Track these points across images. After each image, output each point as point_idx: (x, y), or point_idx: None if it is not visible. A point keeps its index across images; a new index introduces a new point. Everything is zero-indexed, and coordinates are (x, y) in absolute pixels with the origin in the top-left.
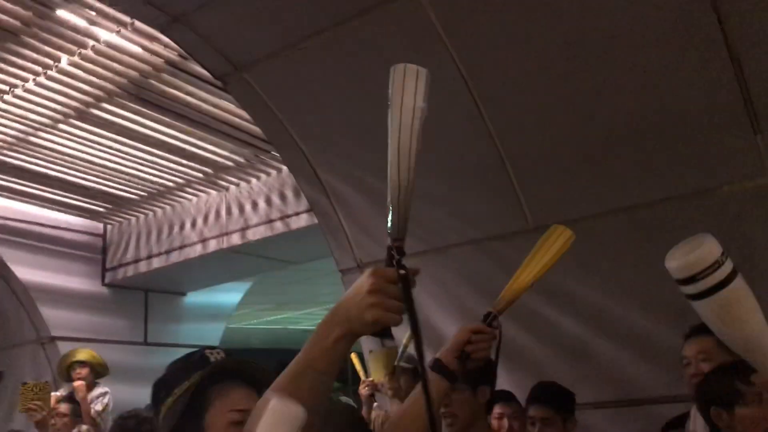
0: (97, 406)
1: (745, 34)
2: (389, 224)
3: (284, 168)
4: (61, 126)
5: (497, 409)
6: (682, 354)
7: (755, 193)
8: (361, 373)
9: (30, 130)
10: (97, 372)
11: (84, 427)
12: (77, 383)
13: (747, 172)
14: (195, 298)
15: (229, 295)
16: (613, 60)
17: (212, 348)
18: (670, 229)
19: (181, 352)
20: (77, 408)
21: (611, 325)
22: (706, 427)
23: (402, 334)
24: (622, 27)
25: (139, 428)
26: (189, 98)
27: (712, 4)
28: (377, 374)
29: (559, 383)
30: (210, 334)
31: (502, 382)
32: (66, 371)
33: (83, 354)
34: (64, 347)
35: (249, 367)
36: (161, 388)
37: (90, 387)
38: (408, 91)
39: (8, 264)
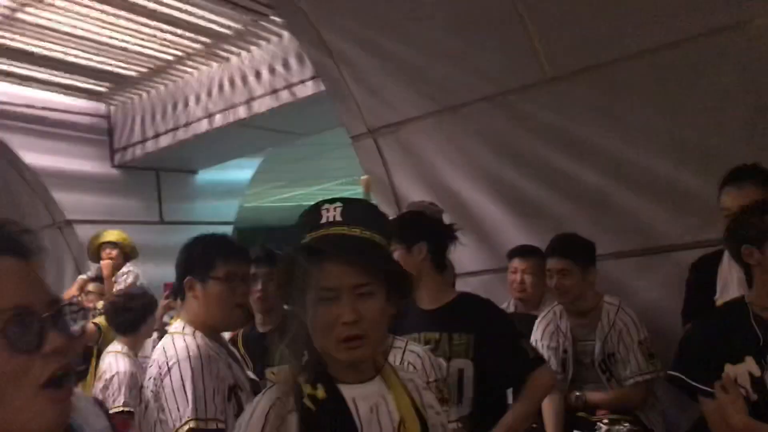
0: (120, 285)
1: None
2: None
3: (285, 34)
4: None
5: (513, 264)
6: (720, 204)
7: None
8: None
9: (15, 5)
10: (126, 253)
11: (101, 303)
12: (104, 262)
13: None
14: (207, 175)
15: (241, 171)
16: None
17: (332, 200)
18: (696, 68)
19: (198, 230)
20: (104, 287)
21: (632, 174)
22: (739, 270)
23: None
24: None
25: (127, 305)
26: None
27: None
28: None
29: (579, 234)
30: (225, 212)
31: (523, 237)
32: (96, 252)
33: (113, 235)
34: (81, 230)
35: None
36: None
37: (118, 268)
38: None
39: (16, 151)
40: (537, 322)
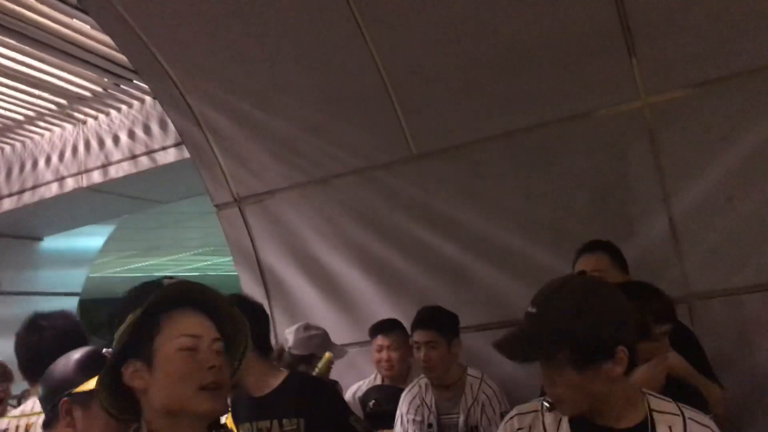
0: None
1: None
2: None
3: (147, 98)
4: None
5: (377, 341)
6: (575, 270)
7: (630, 117)
8: None
9: None
10: None
11: None
12: None
13: (623, 96)
14: (53, 243)
15: (91, 239)
16: None
17: (171, 278)
18: (548, 153)
19: (40, 301)
20: None
21: (491, 249)
22: None
23: None
24: None
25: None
26: (39, 18)
27: None
28: None
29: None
30: (70, 282)
31: (388, 308)
32: None
33: None
34: None
35: (199, 291)
36: (115, 317)
37: None
38: None
39: None
40: (402, 395)
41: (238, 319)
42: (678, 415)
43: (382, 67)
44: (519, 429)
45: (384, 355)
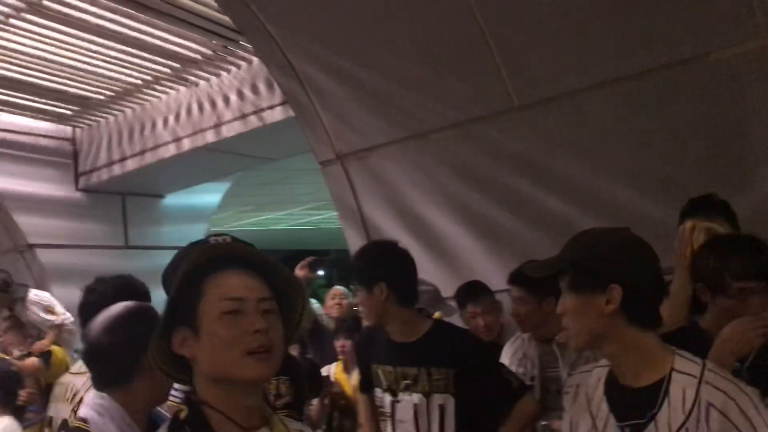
0: None
1: None
2: None
3: (255, 59)
4: (13, 21)
5: (469, 309)
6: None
7: (747, 58)
8: None
9: None
10: None
11: None
12: None
13: (741, 36)
14: (173, 200)
15: (208, 196)
16: None
17: (219, 234)
18: (658, 100)
19: (163, 255)
20: None
21: (597, 201)
22: None
23: None
24: None
25: None
26: None
27: None
28: None
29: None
30: (191, 236)
31: (491, 263)
32: None
33: None
34: (42, 254)
35: (244, 249)
36: (166, 278)
37: None
38: None
39: None
40: (505, 347)
41: (290, 276)
42: (695, 377)
43: (480, 17)
44: (576, 386)
45: (480, 321)
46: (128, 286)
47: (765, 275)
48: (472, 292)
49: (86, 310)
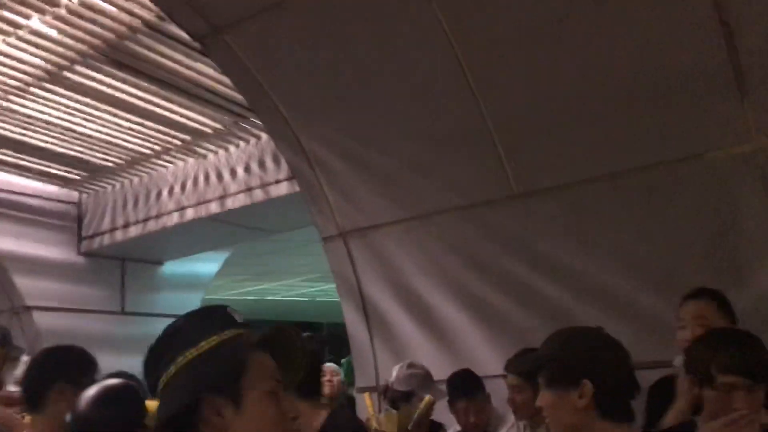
0: None
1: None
2: None
3: (263, 135)
4: (33, 90)
5: (461, 404)
6: (679, 315)
7: (743, 159)
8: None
9: (0, 94)
10: None
11: None
12: None
13: (734, 138)
14: (172, 267)
15: (207, 264)
16: (602, 23)
17: (221, 306)
18: (657, 194)
19: (159, 322)
20: None
21: (595, 291)
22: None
23: None
24: None
25: None
26: (166, 62)
27: None
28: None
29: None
30: (188, 304)
31: (487, 348)
32: None
33: None
34: (39, 317)
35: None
36: (178, 337)
37: None
38: None
39: None
40: None
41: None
42: None
43: (484, 107)
44: None
45: (471, 418)
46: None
47: (752, 372)
48: (466, 388)
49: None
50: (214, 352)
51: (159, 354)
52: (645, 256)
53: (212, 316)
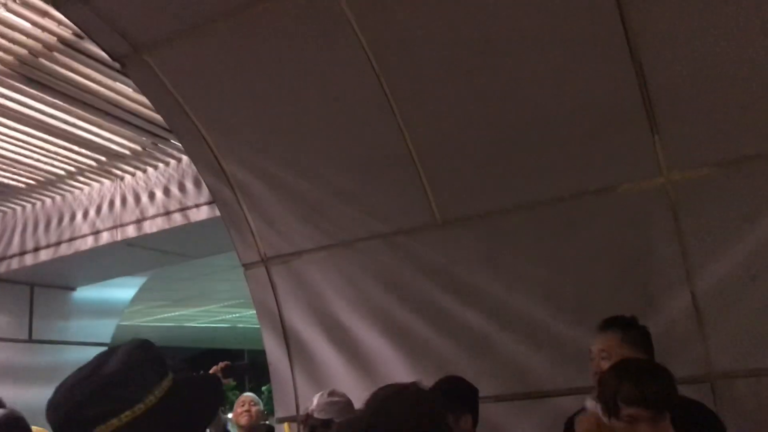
0: None
1: (646, 36)
2: None
3: (184, 157)
4: None
5: None
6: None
7: (653, 193)
8: None
9: None
10: None
11: None
12: None
13: (645, 172)
14: (85, 293)
15: (122, 290)
16: (521, 58)
17: (145, 342)
18: (571, 225)
19: (69, 350)
20: None
21: (513, 319)
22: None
23: None
24: (530, 26)
25: None
26: (83, 80)
27: (617, 6)
28: None
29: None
30: (101, 331)
31: (408, 374)
32: None
33: None
34: None
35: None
36: (128, 386)
37: None
38: None
39: None
40: None
41: None
42: None
43: (408, 136)
44: None
45: None
46: None
47: (655, 404)
48: None
49: None
50: (166, 399)
51: (89, 401)
52: (560, 286)
53: (147, 362)
